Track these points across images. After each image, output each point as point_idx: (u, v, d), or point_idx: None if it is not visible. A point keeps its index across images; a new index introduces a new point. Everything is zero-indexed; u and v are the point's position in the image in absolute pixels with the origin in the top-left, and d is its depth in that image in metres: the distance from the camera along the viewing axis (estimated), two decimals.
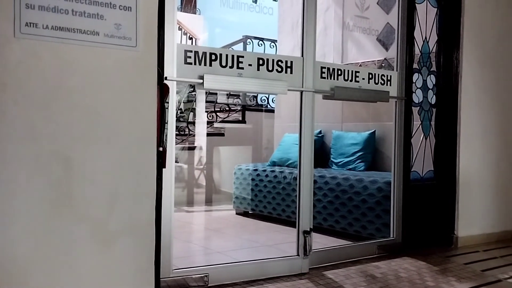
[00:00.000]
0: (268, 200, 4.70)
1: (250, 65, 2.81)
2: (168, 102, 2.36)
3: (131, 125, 2.00)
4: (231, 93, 6.87)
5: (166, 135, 2.35)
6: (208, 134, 6.44)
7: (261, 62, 2.85)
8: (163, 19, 2.36)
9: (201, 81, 2.60)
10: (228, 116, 6.85)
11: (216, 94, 6.97)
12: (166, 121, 2.32)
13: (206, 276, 2.63)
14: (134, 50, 1.93)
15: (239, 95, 7.09)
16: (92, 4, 1.78)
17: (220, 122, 6.84)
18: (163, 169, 2.35)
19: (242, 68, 2.78)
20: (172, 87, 2.45)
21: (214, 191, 6.67)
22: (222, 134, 6.58)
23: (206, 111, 6.76)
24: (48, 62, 1.73)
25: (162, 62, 2.36)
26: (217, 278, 2.67)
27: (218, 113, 7.00)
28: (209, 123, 6.73)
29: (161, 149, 2.26)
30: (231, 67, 2.75)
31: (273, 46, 6.56)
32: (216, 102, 7.22)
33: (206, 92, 6.51)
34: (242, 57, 2.79)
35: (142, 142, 2.07)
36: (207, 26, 8.44)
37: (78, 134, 1.80)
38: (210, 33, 8.27)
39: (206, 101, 6.81)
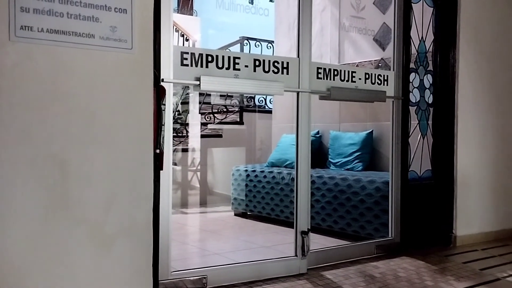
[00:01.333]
0: (266, 201, 4.70)
1: (246, 66, 2.81)
2: (164, 104, 2.35)
3: (128, 127, 1.99)
4: (228, 94, 6.87)
5: (163, 137, 2.35)
6: (206, 136, 6.44)
7: (257, 63, 2.85)
8: (159, 21, 2.35)
9: (198, 82, 2.60)
10: (225, 118, 6.85)
11: (215, 95, 6.97)
12: (163, 123, 2.32)
13: (204, 277, 2.62)
14: (130, 53, 1.92)
15: (233, 96, 7.10)
16: (87, 6, 1.78)
17: (218, 123, 6.84)
18: (161, 171, 2.34)
19: (239, 70, 2.78)
20: (169, 89, 2.45)
21: (211, 193, 6.67)
22: (220, 136, 6.58)
23: (203, 113, 6.76)
24: (44, 65, 1.72)
25: (158, 64, 2.36)
26: (216, 279, 2.66)
27: (215, 114, 7.00)
28: (207, 124, 6.73)
29: (158, 151, 2.26)
30: (228, 68, 2.75)
31: (270, 47, 6.56)
32: (214, 104, 7.23)
33: (203, 94, 6.51)
34: (239, 58, 2.79)
35: (138, 144, 2.07)
36: (204, 28, 8.45)
37: (75, 137, 1.79)
38: (207, 35, 8.28)
39: (204, 103, 6.81)
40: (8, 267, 1.67)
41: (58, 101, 1.75)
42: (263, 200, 4.73)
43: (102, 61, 1.86)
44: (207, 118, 6.88)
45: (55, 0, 1.71)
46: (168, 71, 2.48)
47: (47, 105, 1.73)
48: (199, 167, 6.46)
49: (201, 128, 6.60)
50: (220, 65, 2.72)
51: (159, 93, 2.31)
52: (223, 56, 2.74)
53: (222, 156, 6.85)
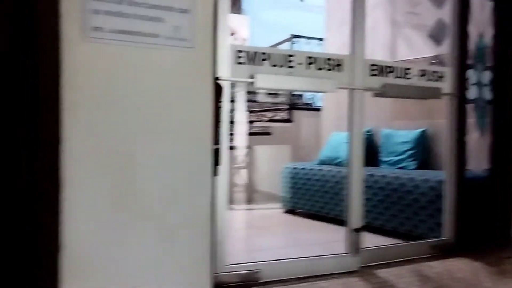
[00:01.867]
0: (316, 198, 4.70)
1: (300, 63, 2.83)
2: (222, 102, 2.42)
3: (189, 123, 2.06)
4: (276, 92, 6.91)
5: (221, 133, 2.42)
6: (254, 134, 6.50)
7: (310, 60, 2.87)
8: (217, 21, 2.41)
9: (253, 80, 2.65)
10: (274, 116, 6.90)
11: (262, 93, 7.03)
12: (220, 120, 2.38)
13: (258, 272, 2.67)
14: (191, 51, 1.99)
15: (281, 94, 7.12)
16: (152, 8, 1.87)
17: (266, 121, 6.89)
18: (218, 166, 2.41)
19: (292, 67, 2.81)
20: (226, 86, 2.51)
21: (259, 191, 6.73)
22: (268, 134, 6.63)
23: (251, 110, 6.83)
24: (113, 64, 1.82)
25: (216, 62, 2.42)
26: (269, 274, 2.70)
27: (263, 112, 7.05)
28: (255, 122, 6.80)
29: (216, 147, 2.33)
30: (282, 66, 2.78)
31: (320, 44, 6.55)
32: (262, 102, 7.27)
33: (253, 91, 6.58)
34: (292, 56, 2.82)
35: (198, 140, 2.13)
36: (252, 26, 8.51)
37: (140, 132, 1.88)
38: (256, 33, 8.34)
39: (251, 101, 6.88)
40: (79, 254, 1.78)
41: (125, 98, 1.85)
42: (314, 198, 4.73)
43: (165, 60, 1.94)
44: (255, 116, 6.95)
45: (123, 3, 1.80)
46: (224, 69, 2.54)
47: (115, 102, 1.83)
48: (246, 165, 6.54)
49: (248, 126, 6.67)
50: (274, 63, 2.75)
51: (217, 91, 2.37)
52: (277, 54, 2.77)
53: (270, 154, 6.89)
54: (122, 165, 1.85)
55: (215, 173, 2.37)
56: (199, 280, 2.08)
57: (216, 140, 2.32)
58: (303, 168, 4.92)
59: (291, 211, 5.09)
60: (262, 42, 7.53)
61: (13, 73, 2.13)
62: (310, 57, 2.86)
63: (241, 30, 7.93)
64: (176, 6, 1.92)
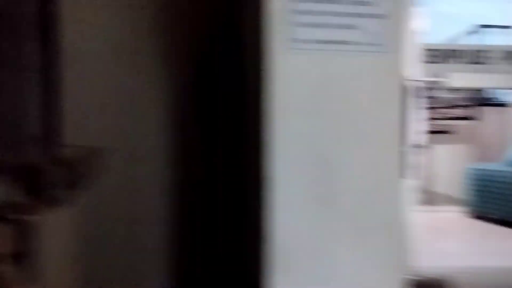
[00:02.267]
0: (507, 203, 4.28)
1: (495, 58, 2.64)
2: (409, 103, 2.38)
3: (379, 126, 2.09)
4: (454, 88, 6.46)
5: (407, 135, 2.38)
6: (431, 132, 6.17)
7: (509, 55, 2.64)
8: (404, 21, 2.38)
9: (444, 79, 2.56)
10: (454, 112, 6.47)
11: (439, 90, 6.64)
12: (407, 122, 2.35)
13: (449, 278, 2.57)
14: (383, 55, 2.01)
15: (461, 90, 6.62)
16: (350, 16, 1.94)
17: (445, 118, 6.49)
18: (405, 168, 2.38)
19: (486, 64, 2.62)
20: (414, 87, 2.46)
21: (438, 192, 6.38)
22: (447, 132, 6.23)
23: (431, 108, 6.49)
24: (312, 72, 1.95)
25: (404, 63, 2.40)
26: (461, 281, 2.58)
27: (443, 109, 6.66)
28: (433, 120, 6.46)
29: (403, 149, 2.30)
30: (474, 62, 2.63)
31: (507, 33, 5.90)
32: (439, 97, 6.87)
33: (430, 88, 6.27)
34: (486, 51, 2.64)
35: (387, 142, 2.14)
36: (429, 18, 8.07)
37: (337, 137, 1.98)
38: (433, 25, 7.89)
39: (431, 97, 6.55)
40: (285, 250, 1.96)
41: (324, 104, 1.96)
42: (504, 202, 4.31)
43: (360, 65, 2.00)
44: (434, 113, 6.59)
45: (320, 14, 1.92)
46: (412, 69, 2.49)
47: (315, 109, 1.96)
48: (423, 165, 6.25)
49: (426, 123, 6.35)
50: (465, 60, 2.61)
51: (406, 92, 2.34)
52: (468, 50, 2.62)
53: (449, 153, 6.48)
54: (322, 167, 1.97)
55: (402, 175, 2.35)
56: (390, 283, 2.10)
57: (403, 142, 2.30)
58: (491, 170, 4.52)
59: (475, 215, 4.72)
60: (439, 34, 7.10)
61: (217, 78, 2.44)
62: (509, 52, 2.63)
63: (414, 23, 7.59)
64: (372, 12, 1.97)
